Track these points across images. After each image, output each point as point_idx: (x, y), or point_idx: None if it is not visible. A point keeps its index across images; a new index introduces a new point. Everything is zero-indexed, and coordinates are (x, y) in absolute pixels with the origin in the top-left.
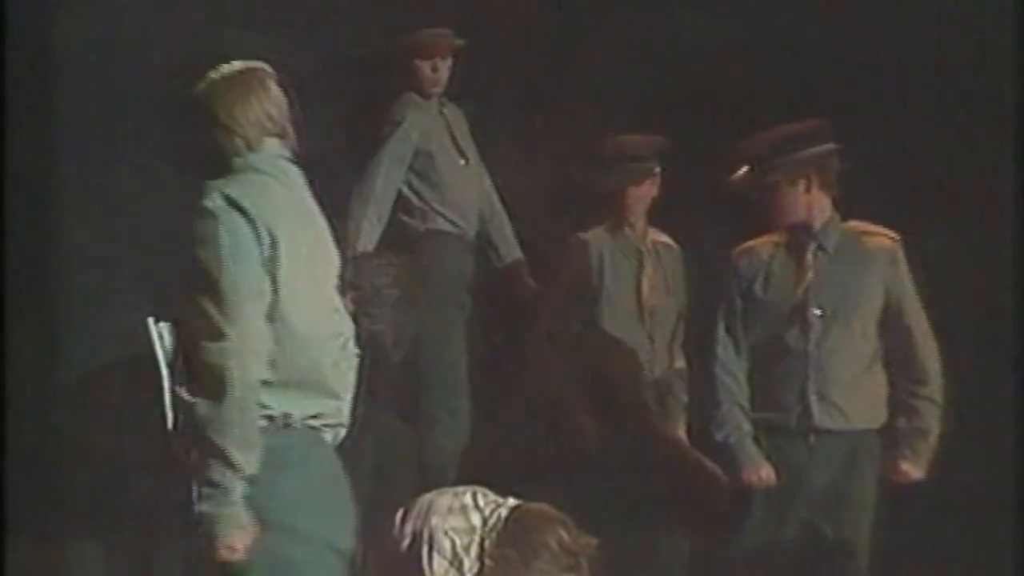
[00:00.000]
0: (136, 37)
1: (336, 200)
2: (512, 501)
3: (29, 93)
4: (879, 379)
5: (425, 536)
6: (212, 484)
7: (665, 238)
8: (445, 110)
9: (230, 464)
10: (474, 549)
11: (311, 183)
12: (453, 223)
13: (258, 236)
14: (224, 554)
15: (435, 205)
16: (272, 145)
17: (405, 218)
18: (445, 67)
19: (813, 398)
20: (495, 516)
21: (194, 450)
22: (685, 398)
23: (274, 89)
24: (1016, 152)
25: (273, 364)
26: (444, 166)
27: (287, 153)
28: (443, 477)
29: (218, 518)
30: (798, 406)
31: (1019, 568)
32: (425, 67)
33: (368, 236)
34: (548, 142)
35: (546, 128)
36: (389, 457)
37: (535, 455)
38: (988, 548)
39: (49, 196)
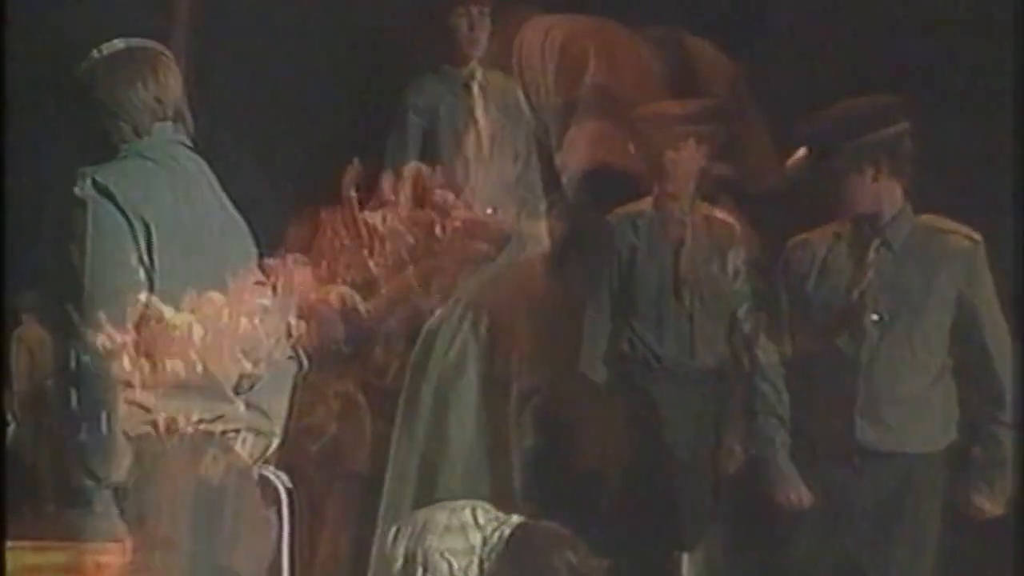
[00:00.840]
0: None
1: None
2: (516, 519)
3: None
4: (946, 397)
5: (419, 558)
6: (73, 493)
7: (723, 215)
8: (475, 82)
9: (90, 472)
10: (473, 572)
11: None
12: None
13: (130, 226)
14: (91, 568)
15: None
16: (163, 130)
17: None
18: (482, 25)
19: (859, 414)
20: (497, 535)
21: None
22: None
23: (164, 70)
24: None
25: (152, 366)
26: (449, 150)
27: (182, 138)
28: (442, 491)
29: (83, 529)
30: (842, 422)
31: None
32: (462, 24)
33: None
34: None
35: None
36: (382, 465)
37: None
38: None
39: None
